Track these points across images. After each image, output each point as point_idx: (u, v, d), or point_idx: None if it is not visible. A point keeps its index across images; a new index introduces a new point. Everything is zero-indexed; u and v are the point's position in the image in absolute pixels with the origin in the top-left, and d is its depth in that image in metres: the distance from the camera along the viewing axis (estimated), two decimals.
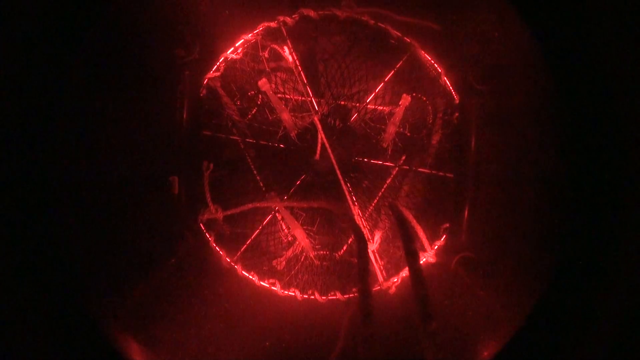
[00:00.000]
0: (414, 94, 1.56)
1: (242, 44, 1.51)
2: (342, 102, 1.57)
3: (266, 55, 1.51)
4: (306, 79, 1.55)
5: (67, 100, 1.12)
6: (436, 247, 1.55)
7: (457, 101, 1.56)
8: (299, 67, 1.54)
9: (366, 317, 0.94)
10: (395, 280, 1.52)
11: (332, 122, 1.57)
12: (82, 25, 1.06)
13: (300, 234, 1.53)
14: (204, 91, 1.53)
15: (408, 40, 1.53)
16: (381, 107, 1.58)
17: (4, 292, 0.94)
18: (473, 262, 1.49)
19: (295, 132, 1.54)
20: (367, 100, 1.57)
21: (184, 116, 1.52)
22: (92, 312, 1.08)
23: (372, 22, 1.50)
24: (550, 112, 1.24)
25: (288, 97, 1.55)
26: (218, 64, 1.53)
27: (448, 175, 1.58)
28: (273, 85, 1.53)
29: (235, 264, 1.53)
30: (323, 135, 1.49)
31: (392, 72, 1.57)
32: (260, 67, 1.53)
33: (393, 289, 1.51)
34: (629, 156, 0.99)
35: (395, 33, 1.52)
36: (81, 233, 1.20)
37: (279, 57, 1.53)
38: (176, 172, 1.51)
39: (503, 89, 1.47)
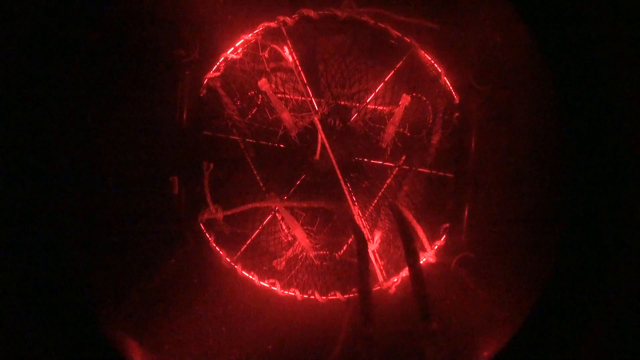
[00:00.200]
0: (414, 94, 1.56)
1: (242, 44, 1.51)
2: (342, 102, 1.57)
3: (266, 55, 1.51)
4: (306, 79, 1.55)
5: (67, 100, 1.12)
6: (436, 247, 1.55)
7: (457, 101, 1.56)
8: (299, 67, 1.54)
9: (366, 317, 0.94)
10: (395, 280, 1.52)
11: (332, 122, 1.57)
12: (82, 25, 1.06)
13: (300, 234, 1.53)
14: (204, 91, 1.53)
15: (408, 40, 1.53)
16: (381, 107, 1.58)
17: (4, 293, 0.94)
18: (473, 262, 1.49)
19: (295, 132, 1.54)
20: (367, 100, 1.57)
21: (184, 116, 1.52)
22: (92, 312, 1.08)
23: (372, 22, 1.50)
24: (550, 112, 1.24)
25: (288, 97, 1.55)
26: (218, 64, 1.53)
27: (448, 175, 1.58)
28: (273, 85, 1.53)
29: (235, 264, 1.53)
30: (323, 135, 1.49)
31: (392, 72, 1.57)
32: (260, 67, 1.53)
33: (393, 289, 1.51)
34: (629, 156, 0.99)
35: (395, 33, 1.52)
36: (81, 233, 1.20)
37: (279, 57, 1.53)
38: (176, 172, 1.51)
39: (503, 89, 1.47)
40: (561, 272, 1.07)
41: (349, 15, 1.49)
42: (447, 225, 1.56)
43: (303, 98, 1.55)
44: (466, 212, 1.53)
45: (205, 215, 1.53)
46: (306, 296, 1.51)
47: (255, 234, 1.58)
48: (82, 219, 1.22)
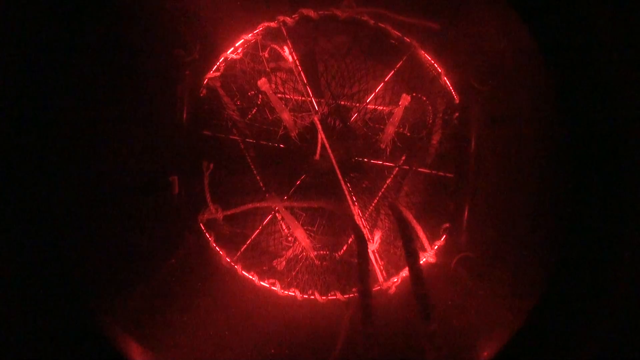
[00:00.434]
0: (414, 94, 1.56)
1: (242, 44, 1.51)
2: (342, 102, 1.57)
3: (266, 55, 1.51)
4: (306, 79, 1.55)
5: (67, 100, 1.12)
6: (436, 247, 1.55)
7: (457, 101, 1.56)
8: (299, 67, 1.54)
9: (366, 317, 0.94)
10: (395, 280, 1.52)
11: (332, 122, 1.57)
12: (82, 25, 1.06)
13: (300, 234, 1.53)
14: (204, 91, 1.53)
15: (408, 40, 1.53)
16: (381, 107, 1.58)
17: (5, 293, 0.94)
18: (473, 262, 1.49)
19: (296, 132, 1.54)
20: (367, 100, 1.57)
21: (184, 116, 1.52)
22: (92, 313, 1.08)
23: (372, 22, 1.50)
24: (550, 112, 1.24)
25: (288, 97, 1.55)
26: (218, 64, 1.53)
27: (448, 175, 1.58)
28: (273, 85, 1.53)
29: (235, 264, 1.53)
30: (323, 135, 1.49)
31: (392, 72, 1.57)
32: (260, 67, 1.53)
33: (393, 289, 1.51)
34: (629, 156, 0.99)
35: (395, 33, 1.52)
36: (81, 233, 1.20)
37: (279, 57, 1.53)
38: (176, 172, 1.51)
39: (503, 89, 1.47)
40: (561, 272, 1.07)
41: (349, 15, 1.49)
42: (447, 225, 1.56)
43: (303, 98, 1.55)
44: (466, 212, 1.53)
45: (205, 215, 1.53)
46: (306, 296, 1.51)
47: (255, 234, 1.58)
48: (82, 219, 1.22)
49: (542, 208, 1.29)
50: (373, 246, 1.56)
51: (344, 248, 1.58)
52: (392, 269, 1.55)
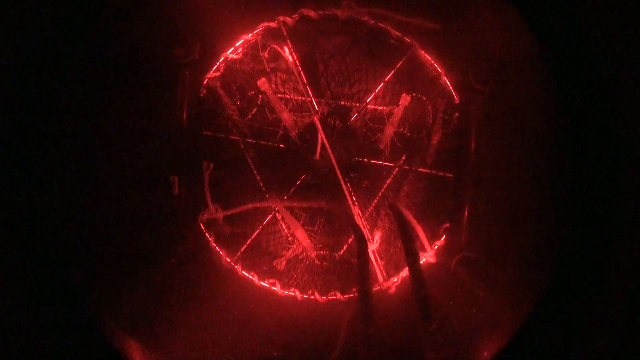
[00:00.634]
0: (414, 94, 1.56)
1: (242, 44, 1.51)
2: (342, 102, 1.57)
3: (266, 55, 1.51)
4: (306, 79, 1.55)
5: (67, 100, 1.12)
6: (436, 247, 1.55)
7: (457, 101, 1.56)
8: (299, 67, 1.54)
9: (366, 317, 0.94)
10: (395, 280, 1.52)
11: (332, 122, 1.57)
12: (82, 25, 1.06)
13: (301, 234, 1.53)
14: (204, 91, 1.53)
15: (408, 40, 1.53)
16: (381, 107, 1.58)
17: (5, 293, 0.94)
18: (473, 262, 1.49)
19: (295, 132, 1.54)
20: (367, 100, 1.57)
21: (184, 116, 1.52)
22: (92, 312, 1.08)
23: (372, 22, 1.50)
24: (550, 112, 1.24)
25: (288, 97, 1.55)
26: (218, 64, 1.52)
27: (448, 175, 1.58)
28: (273, 85, 1.53)
29: (235, 264, 1.53)
30: (323, 135, 1.49)
31: (392, 72, 1.57)
32: (260, 67, 1.53)
33: (393, 289, 1.51)
34: (629, 156, 0.99)
35: (395, 33, 1.52)
36: (81, 233, 1.20)
37: (279, 57, 1.53)
38: (176, 172, 1.51)
39: (503, 89, 1.47)
40: (561, 273, 1.07)
41: (349, 15, 1.49)
42: (447, 225, 1.56)
43: (303, 98, 1.55)
44: (466, 212, 1.53)
45: (205, 215, 1.53)
46: (306, 296, 1.51)
47: (255, 234, 1.58)
48: (82, 219, 1.22)
49: (542, 208, 1.30)
50: (373, 246, 1.56)
51: (344, 248, 1.58)
52: (392, 269, 1.55)
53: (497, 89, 1.48)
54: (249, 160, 1.57)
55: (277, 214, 1.59)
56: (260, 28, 1.50)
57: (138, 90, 1.39)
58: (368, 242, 1.50)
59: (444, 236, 1.56)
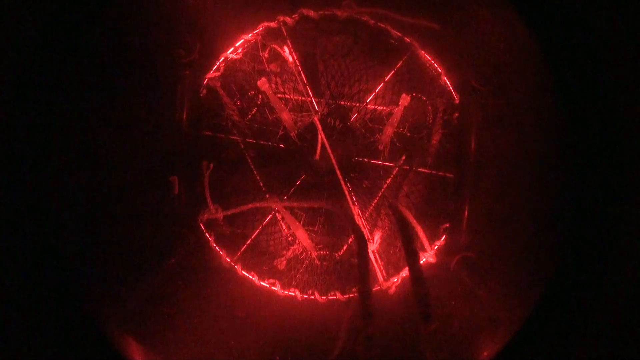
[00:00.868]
0: (414, 94, 1.56)
1: (242, 44, 1.51)
2: (342, 102, 1.57)
3: (266, 55, 1.51)
4: (306, 79, 1.55)
5: (67, 100, 1.12)
6: (436, 247, 1.55)
7: (457, 101, 1.56)
8: (299, 67, 1.54)
9: (366, 317, 0.94)
10: (395, 280, 1.52)
11: (332, 122, 1.57)
12: (82, 25, 1.06)
13: (301, 234, 1.53)
14: (204, 91, 1.53)
15: (408, 40, 1.53)
16: (381, 107, 1.58)
17: (5, 293, 0.94)
18: (473, 262, 1.49)
19: (295, 132, 1.54)
20: (367, 100, 1.57)
21: (184, 116, 1.52)
22: (92, 312, 1.08)
23: (372, 22, 1.50)
24: (550, 112, 1.24)
25: (288, 97, 1.55)
26: (218, 64, 1.53)
27: (448, 175, 1.58)
28: (273, 85, 1.53)
29: (235, 264, 1.53)
30: (323, 135, 1.49)
31: (392, 72, 1.57)
32: (260, 67, 1.53)
33: (393, 289, 1.51)
34: (629, 156, 0.99)
35: (395, 33, 1.52)
36: (81, 233, 1.20)
37: (279, 57, 1.53)
38: (176, 172, 1.51)
39: (503, 89, 1.47)
40: (561, 273, 1.07)
41: (349, 15, 1.49)
42: (447, 225, 1.56)
43: (303, 98, 1.55)
44: (466, 212, 1.53)
45: (205, 215, 1.53)
46: (306, 296, 1.51)
47: (255, 234, 1.58)
48: (82, 219, 1.22)
49: (543, 208, 1.30)
50: (373, 246, 1.56)
51: (344, 248, 1.58)
52: (392, 269, 1.55)
53: (497, 88, 1.48)
54: (249, 160, 1.57)
55: (277, 214, 1.59)
56: (260, 28, 1.50)
57: (138, 90, 1.39)
58: (368, 242, 1.50)
59: (444, 236, 1.56)
